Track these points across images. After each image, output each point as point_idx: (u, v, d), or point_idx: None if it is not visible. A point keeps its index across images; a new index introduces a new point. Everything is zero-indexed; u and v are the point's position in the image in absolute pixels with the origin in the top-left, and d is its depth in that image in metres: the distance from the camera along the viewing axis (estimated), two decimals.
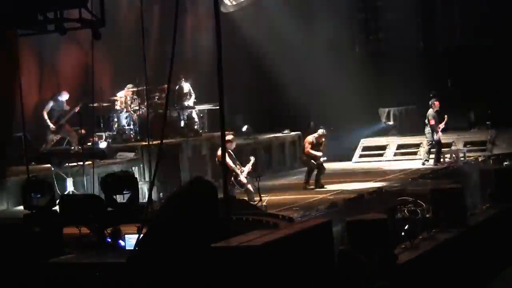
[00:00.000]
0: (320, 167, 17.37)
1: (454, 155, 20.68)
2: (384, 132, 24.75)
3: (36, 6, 9.44)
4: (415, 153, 22.27)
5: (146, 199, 9.39)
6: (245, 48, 22.64)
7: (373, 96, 24.22)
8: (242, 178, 15.05)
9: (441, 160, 20.25)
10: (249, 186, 15.13)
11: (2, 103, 13.55)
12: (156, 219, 7.70)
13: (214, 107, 19.30)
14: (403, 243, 10.21)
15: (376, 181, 17.68)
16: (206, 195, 7.47)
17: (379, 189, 16.23)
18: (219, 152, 13.85)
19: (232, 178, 14.78)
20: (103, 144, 17.70)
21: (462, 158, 20.34)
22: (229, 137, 14.75)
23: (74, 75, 18.81)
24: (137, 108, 18.45)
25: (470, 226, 11.46)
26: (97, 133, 17.72)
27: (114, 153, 16.92)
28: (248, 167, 15.29)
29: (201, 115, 19.74)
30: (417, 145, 22.37)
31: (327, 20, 23.56)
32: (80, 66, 18.41)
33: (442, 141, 20.31)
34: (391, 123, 25.20)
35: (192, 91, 19.65)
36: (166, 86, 15.73)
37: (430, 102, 20.05)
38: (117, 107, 18.69)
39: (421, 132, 20.82)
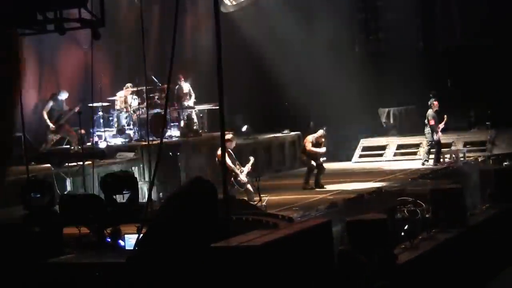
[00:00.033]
0: (320, 167, 17.37)
1: (454, 155, 20.68)
2: (384, 132, 24.75)
3: (36, 5, 9.43)
4: (415, 153, 22.28)
5: (146, 199, 9.38)
6: (245, 48, 22.63)
7: (373, 96, 24.21)
8: (242, 177, 15.05)
9: (441, 160, 20.25)
10: (249, 186, 15.13)
11: (4, 102, 13.52)
12: (156, 219, 7.71)
13: (214, 107, 19.30)
14: (402, 243, 10.22)
15: (375, 181, 17.68)
16: (206, 195, 7.48)
17: (379, 189, 16.22)
18: (219, 152, 13.85)
19: (232, 178, 14.79)
20: (103, 144, 17.71)
21: (462, 158, 20.34)
22: (228, 136, 14.74)
23: (74, 75, 18.80)
24: (136, 108, 18.45)
25: (469, 226, 11.47)
26: (97, 133, 17.73)
27: (114, 153, 16.91)
28: (247, 167, 15.29)
29: (201, 115, 19.74)
30: (417, 145, 22.38)
31: (327, 20, 23.54)
32: (80, 66, 18.39)
33: (442, 141, 20.31)
34: (391, 122, 25.20)
35: (192, 91, 19.64)
36: (165, 86, 15.77)
37: (429, 102, 20.07)
38: (117, 107, 18.69)
39: (421, 132, 20.83)
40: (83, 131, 15.53)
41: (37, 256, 8.11)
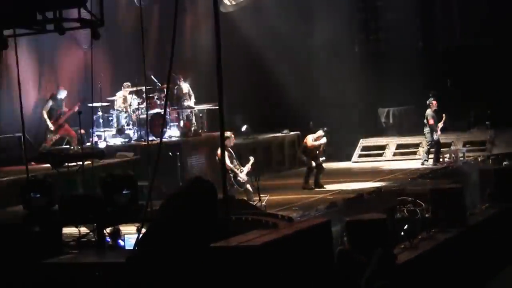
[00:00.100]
0: (319, 167, 17.37)
1: (453, 155, 20.69)
2: (384, 132, 24.75)
3: (35, 5, 9.43)
4: (414, 153, 22.29)
5: (146, 199, 9.37)
6: (245, 48, 22.63)
7: (373, 96, 24.23)
8: (242, 176, 15.06)
9: (441, 160, 20.26)
10: (248, 186, 15.14)
11: None
12: (155, 219, 7.71)
13: (213, 107, 19.29)
14: (402, 243, 10.21)
15: (375, 181, 17.69)
16: (206, 195, 7.48)
17: (379, 189, 16.24)
18: (219, 151, 13.85)
19: (232, 178, 14.80)
20: (102, 144, 17.71)
21: (462, 158, 20.34)
22: (227, 134, 14.74)
23: (73, 75, 18.81)
24: (136, 107, 18.44)
25: (469, 226, 11.46)
26: (96, 133, 17.73)
27: (113, 153, 16.91)
28: (247, 167, 15.30)
29: (200, 115, 19.73)
30: (417, 145, 22.39)
31: (327, 20, 23.53)
32: (79, 66, 18.40)
33: (442, 141, 20.32)
34: (390, 122, 25.20)
35: (191, 91, 19.63)
36: (165, 85, 15.77)
37: (428, 102, 20.08)
38: (117, 107, 18.69)
39: (421, 132, 20.84)
40: (82, 131, 15.52)
41: (37, 256, 8.11)
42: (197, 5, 22.65)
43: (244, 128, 21.08)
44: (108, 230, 9.48)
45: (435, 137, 19.87)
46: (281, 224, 8.20)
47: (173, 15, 8.43)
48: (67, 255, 8.53)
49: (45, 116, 17.19)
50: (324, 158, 17.76)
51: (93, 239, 9.54)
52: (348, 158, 23.01)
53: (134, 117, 18.38)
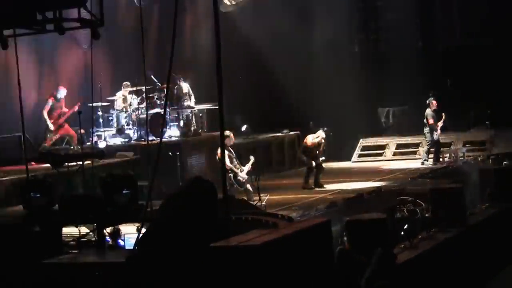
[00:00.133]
0: (319, 167, 17.37)
1: (453, 155, 20.68)
2: (384, 132, 24.75)
3: (35, 5, 9.43)
4: (414, 153, 22.30)
5: (146, 199, 9.37)
6: (244, 47, 22.62)
7: (372, 96, 24.23)
8: (242, 175, 15.06)
9: (441, 159, 20.26)
10: (248, 186, 15.14)
11: None
12: (155, 219, 7.71)
13: (213, 107, 19.28)
14: (402, 242, 10.22)
15: (375, 181, 17.68)
16: (206, 195, 7.49)
17: (379, 188, 16.23)
18: (219, 151, 13.85)
19: (232, 178, 14.80)
20: (102, 144, 17.70)
21: (462, 158, 20.33)
22: (226, 133, 14.74)
23: (73, 75, 18.80)
24: (136, 107, 18.44)
25: (469, 225, 11.47)
26: (96, 133, 17.72)
27: (113, 152, 16.91)
28: (247, 167, 15.30)
29: (200, 114, 19.72)
30: (417, 145, 22.40)
31: (327, 20, 23.53)
32: (79, 66, 18.39)
33: (442, 140, 20.31)
34: (390, 122, 25.21)
35: (191, 91, 19.61)
36: (165, 85, 15.76)
37: (427, 101, 20.09)
38: (117, 107, 18.69)
39: (420, 132, 20.84)
40: (82, 131, 15.51)
41: (37, 256, 8.11)
42: (197, 5, 22.63)
43: (244, 128, 21.07)
44: (108, 230, 9.47)
45: (435, 136, 19.87)
46: (281, 224, 8.20)
47: (173, 15, 8.43)
48: (67, 255, 8.53)
49: (45, 116, 17.18)
50: (324, 158, 17.75)
51: (93, 239, 9.53)
52: (348, 158, 23.00)
53: (134, 117, 18.37)
